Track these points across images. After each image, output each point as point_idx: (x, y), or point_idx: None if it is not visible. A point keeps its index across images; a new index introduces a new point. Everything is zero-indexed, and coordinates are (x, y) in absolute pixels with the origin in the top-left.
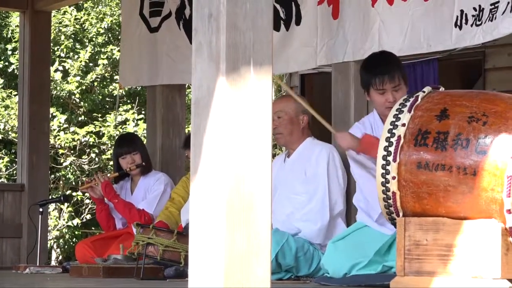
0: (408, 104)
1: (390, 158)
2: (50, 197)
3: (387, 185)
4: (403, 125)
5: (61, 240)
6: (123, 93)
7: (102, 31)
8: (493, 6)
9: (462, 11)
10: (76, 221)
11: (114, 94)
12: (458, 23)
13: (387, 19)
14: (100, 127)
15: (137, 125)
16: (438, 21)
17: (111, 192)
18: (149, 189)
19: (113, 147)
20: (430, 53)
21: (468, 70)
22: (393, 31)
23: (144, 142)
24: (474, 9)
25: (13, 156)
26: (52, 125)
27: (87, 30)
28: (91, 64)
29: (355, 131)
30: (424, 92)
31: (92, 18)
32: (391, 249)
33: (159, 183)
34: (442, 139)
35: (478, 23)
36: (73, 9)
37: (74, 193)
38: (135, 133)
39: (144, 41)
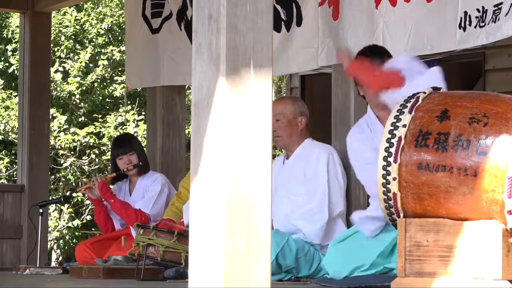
0: (408, 105)
1: (390, 159)
2: (50, 198)
3: (387, 186)
4: (404, 126)
5: (61, 241)
6: (123, 94)
7: (102, 32)
8: (496, 8)
9: (465, 13)
10: (76, 222)
11: (115, 95)
12: (462, 24)
13: (390, 21)
14: (100, 128)
15: (137, 126)
16: (441, 22)
17: (107, 192)
18: (146, 190)
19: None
20: (430, 54)
21: (468, 71)
22: (397, 32)
23: (144, 143)
24: (478, 10)
25: (13, 157)
26: (52, 126)
27: (87, 31)
28: (91, 65)
29: (354, 137)
30: (424, 93)
31: (92, 19)
32: (393, 252)
33: (156, 184)
34: (443, 140)
35: (481, 24)
36: (73, 10)
37: (74, 194)
38: (135, 134)
39: (146, 42)
